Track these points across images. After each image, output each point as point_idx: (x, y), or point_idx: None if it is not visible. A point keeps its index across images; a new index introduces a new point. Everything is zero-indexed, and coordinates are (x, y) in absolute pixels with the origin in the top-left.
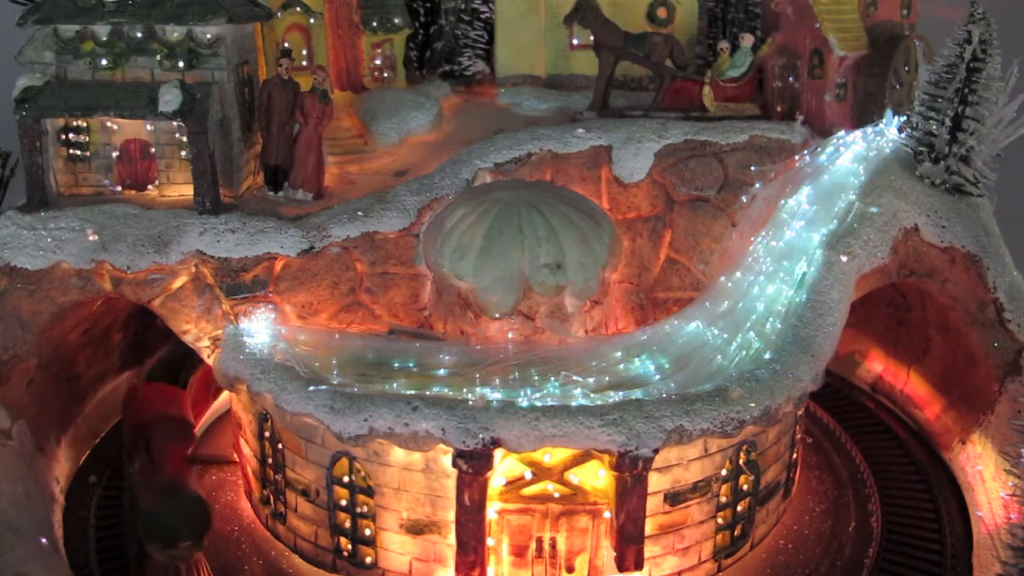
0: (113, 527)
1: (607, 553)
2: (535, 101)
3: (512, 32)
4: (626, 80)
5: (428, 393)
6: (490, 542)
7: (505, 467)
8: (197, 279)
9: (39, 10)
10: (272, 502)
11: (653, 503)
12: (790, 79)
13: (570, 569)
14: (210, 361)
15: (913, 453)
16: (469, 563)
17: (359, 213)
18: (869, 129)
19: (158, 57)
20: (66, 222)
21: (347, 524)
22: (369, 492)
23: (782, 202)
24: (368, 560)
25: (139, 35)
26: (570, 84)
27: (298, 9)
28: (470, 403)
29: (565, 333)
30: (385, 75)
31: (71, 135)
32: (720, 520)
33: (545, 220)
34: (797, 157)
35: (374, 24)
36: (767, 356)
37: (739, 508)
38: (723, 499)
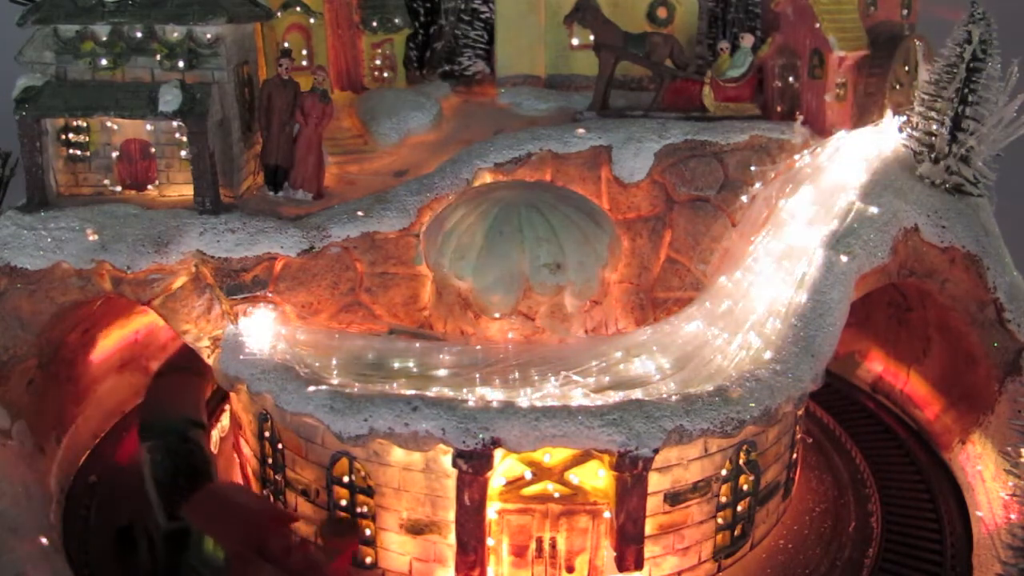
0: (112, 527)
1: (607, 553)
2: (535, 101)
3: (512, 32)
4: (626, 80)
5: (428, 393)
6: (490, 542)
7: (505, 467)
8: (197, 279)
9: (39, 10)
10: (272, 502)
11: (653, 503)
12: (790, 79)
13: (570, 569)
14: (210, 361)
15: (913, 453)
16: (469, 563)
17: (359, 213)
18: (869, 129)
19: (158, 57)
20: (66, 222)
21: None
22: (369, 492)
23: (782, 202)
24: (368, 560)
25: (139, 35)
26: (570, 84)
27: (298, 9)
28: (470, 403)
29: (565, 333)
30: (385, 75)
31: (71, 135)
32: (720, 520)
33: (545, 220)
34: (797, 157)
35: (374, 24)
36: (767, 356)
37: (739, 508)
38: (723, 499)
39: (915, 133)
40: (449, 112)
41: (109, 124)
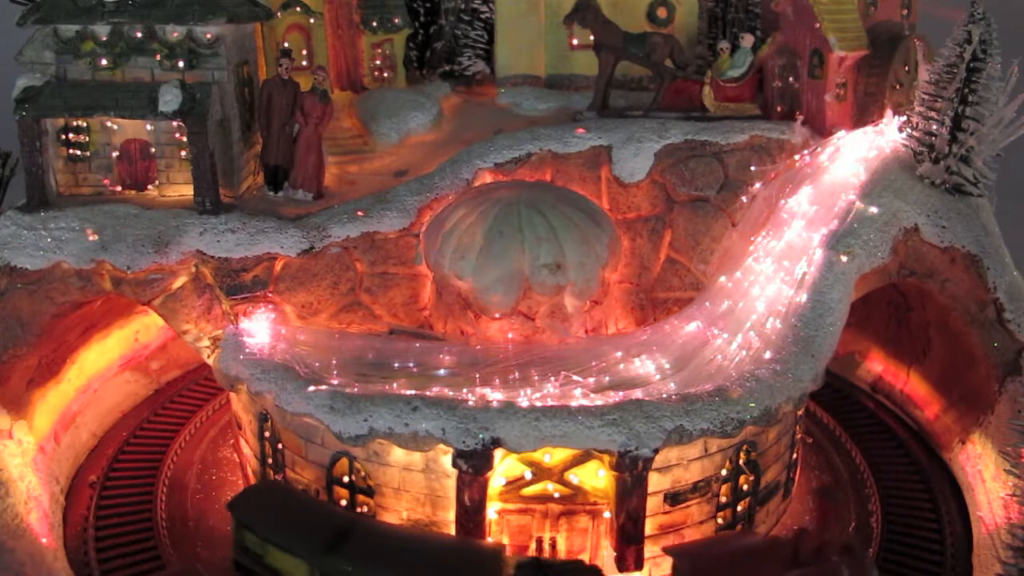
0: (113, 527)
1: (607, 553)
2: (535, 101)
3: (512, 32)
4: (626, 80)
5: (428, 393)
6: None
7: (505, 467)
8: (197, 279)
9: (39, 10)
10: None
11: (653, 503)
12: (790, 79)
13: None
14: (210, 361)
15: (913, 453)
16: None
17: (359, 213)
18: (869, 129)
19: (158, 57)
20: (66, 222)
21: None
22: (369, 492)
23: (782, 202)
24: None
25: (139, 35)
26: (570, 84)
27: (298, 9)
28: (470, 403)
29: (565, 333)
30: (385, 75)
31: (71, 135)
32: (720, 520)
33: (545, 220)
34: (797, 157)
35: (374, 24)
36: (767, 356)
37: (739, 508)
38: (723, 499)
39: (915, 133)
40: (449, 112)
41: (109, 124)
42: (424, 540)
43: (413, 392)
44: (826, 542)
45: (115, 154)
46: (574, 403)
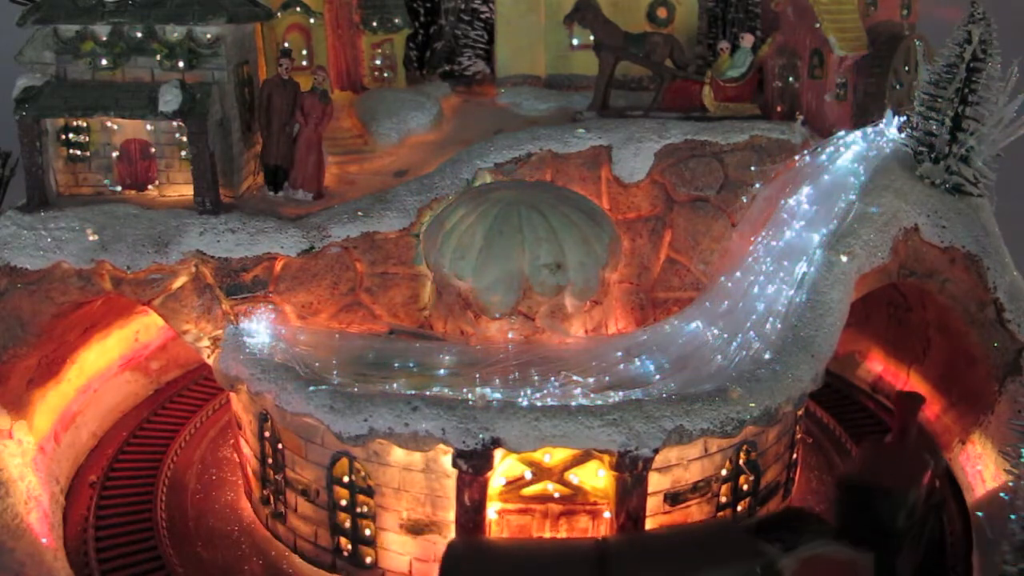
0: (113, 527)
1: None
2: (535, 101)
3: (512, 32)
4: (626, 80)
5: (428, 393)
6: None
7: (505, 467)
8: (197, 279)
9: (39, 10)
10: (272, 502)
11: (653, 503)
12: (790, 79)
13: None
14: (210, 361)
15: None
16: None
17: (359, 213)
18: (869, 129)
19: (158, 57)
20: (66, 222)
21: (347, 524)
22: (369, 492)
23: (782, 202)
24: (368, 560)
25: (139, 35)
26: (570, 84)
27: (298, 9)
28: (470, 403)
29: (565, 333)
30: (385, 75)
31: (71, 135)
32: None
33: (545, 220)
34: (797, 157)
35: (374, 24)
36: (767, 356)
37: (739, 508)
38: (723, 499)
39: (915, 133)
40: (449, 112)
41: (109, 124)
42: (671, 536)
43: (413, 392)
44: (919, 446)
45: (115, 154)
46: (574, 403)
